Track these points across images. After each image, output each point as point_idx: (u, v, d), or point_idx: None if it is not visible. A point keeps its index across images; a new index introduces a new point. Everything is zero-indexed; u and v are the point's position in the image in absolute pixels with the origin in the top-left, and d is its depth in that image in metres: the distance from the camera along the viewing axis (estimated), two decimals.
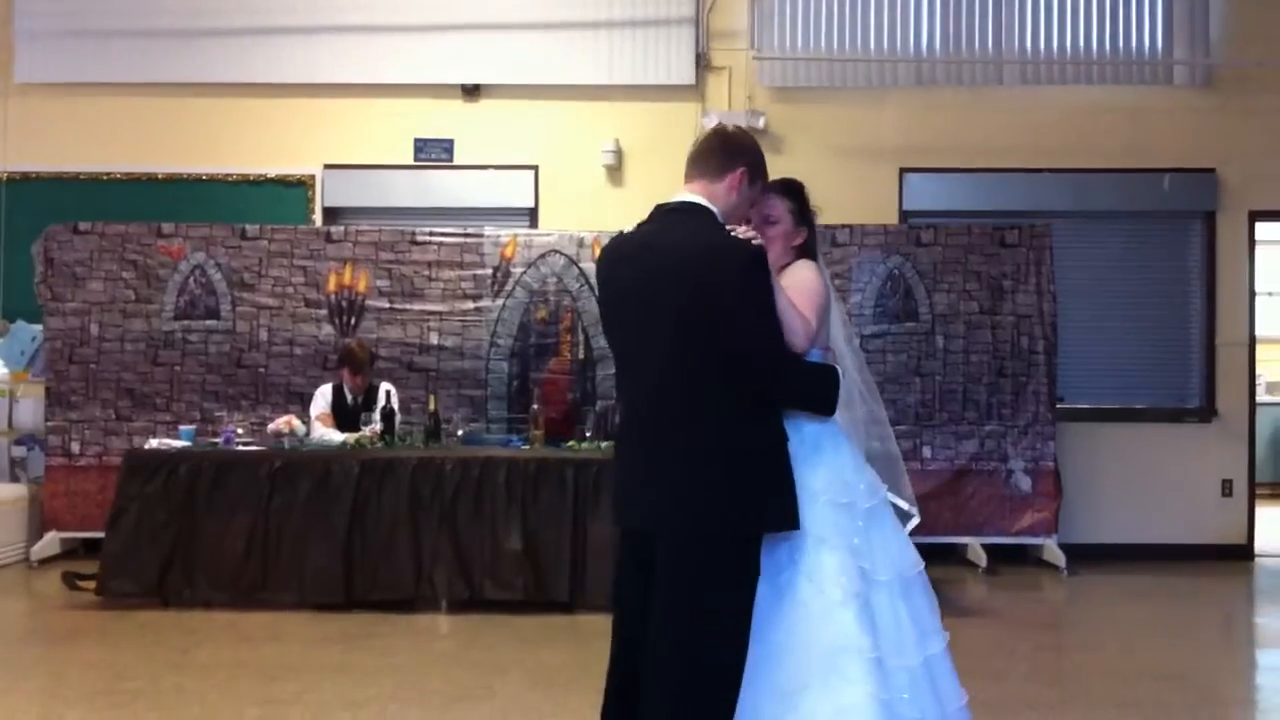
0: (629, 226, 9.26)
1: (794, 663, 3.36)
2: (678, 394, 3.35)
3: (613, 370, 8.86)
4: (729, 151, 3.52)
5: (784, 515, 3.37)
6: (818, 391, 3.47)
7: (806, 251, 3.76)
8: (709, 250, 3.31)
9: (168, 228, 9.10)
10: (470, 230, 9.23)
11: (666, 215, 3.48)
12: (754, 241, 3.36)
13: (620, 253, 3.56)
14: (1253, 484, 9.76)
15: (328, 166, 9.81)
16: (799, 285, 3.54)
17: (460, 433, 8.46)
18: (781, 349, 3.37)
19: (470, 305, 9.12)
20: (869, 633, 3.39)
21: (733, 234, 3.37)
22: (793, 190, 3.78)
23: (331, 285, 9.10)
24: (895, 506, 3.75)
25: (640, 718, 3.37)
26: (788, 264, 3.66)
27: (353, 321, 9.08)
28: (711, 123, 9.39)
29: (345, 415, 8.21)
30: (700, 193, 3.48)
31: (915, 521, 3.76)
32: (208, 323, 9.06)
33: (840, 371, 3.57)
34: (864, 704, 3.31)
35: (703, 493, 3.31)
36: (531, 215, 9.82)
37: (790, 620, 3.39)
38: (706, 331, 3.28)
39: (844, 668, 3.34)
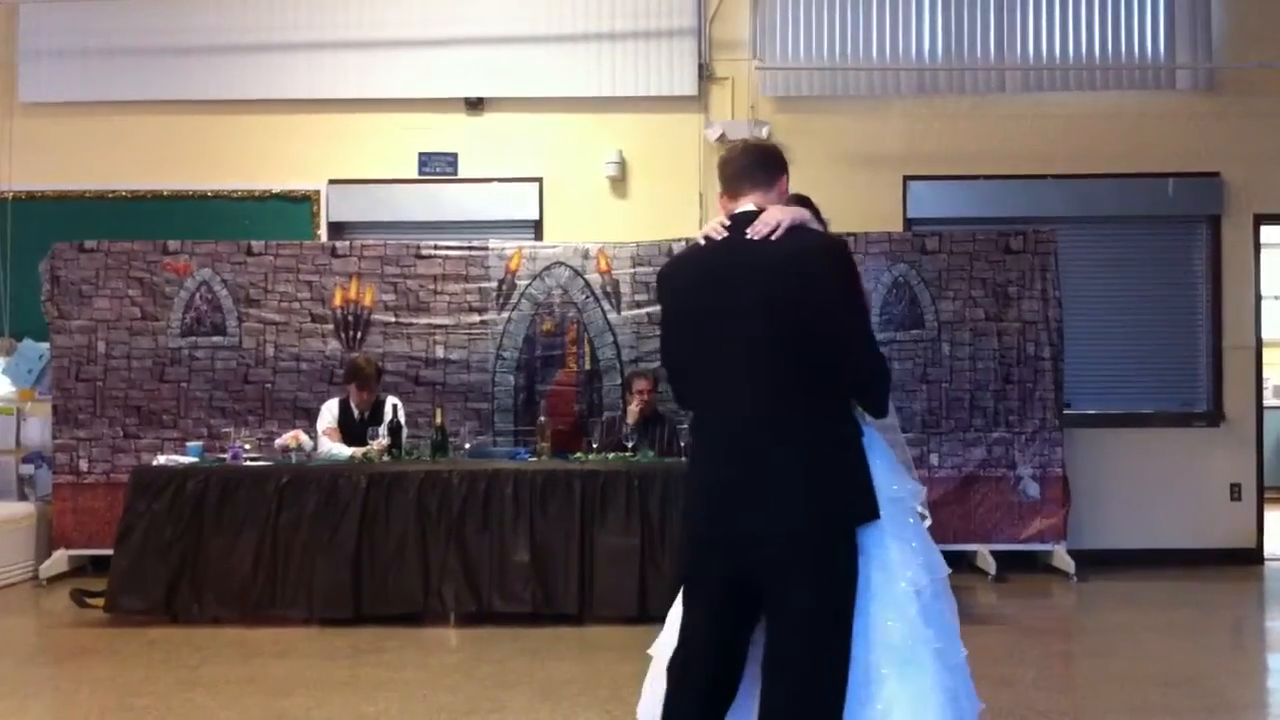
0: (633, 237, 9.25)
1: (875, 651, 3.43)
2: (777, 393, 3.40)
3: (618, 381, 8.95)
4: (772, 162, 3.67)
5: (873, 506, 3.46)
6: (885, 388, 3.58)
7: None
8: (803, 246, 3.42)
9: (173, 245, 9.12)
10: (475, 243, 9.24)
11: (737, 223, 3.52)
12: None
13: (698, 263, 3.60)
14: (1261, 488, 9.74)
15: (332, 182, 9.83)
16: None
17: (467, 446, 8.46)
18: (870, 335, 3.52)
19: (476, 318, 9.13)
20: (931, 624, 3.50)
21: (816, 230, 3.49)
22: (805, 200, 3.91)
23: (337, 300, 9.11)
24: None
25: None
26: None
27: (359, 336, 9.09)
28: (715, 133, 9.48)
29: (352, 430, 8.21)
30: (759, 203, 3.56)
31: (928, 523, 3.80)
32: (214, 339, 9.07)
33: None
34: (937, 692, 3.43)
35: (820, 489, 3.38)
36: (536, 227, 9.83)
37: (869, 609, 3.45)
38: (804, 322, 3.35)
39: (918, 657, 3.44)
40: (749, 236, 3.43)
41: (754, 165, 3.63)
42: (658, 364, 8.45)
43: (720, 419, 3.50)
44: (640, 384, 8.36)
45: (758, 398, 3.41)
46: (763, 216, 3.46)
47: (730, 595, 3.47)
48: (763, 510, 3.38)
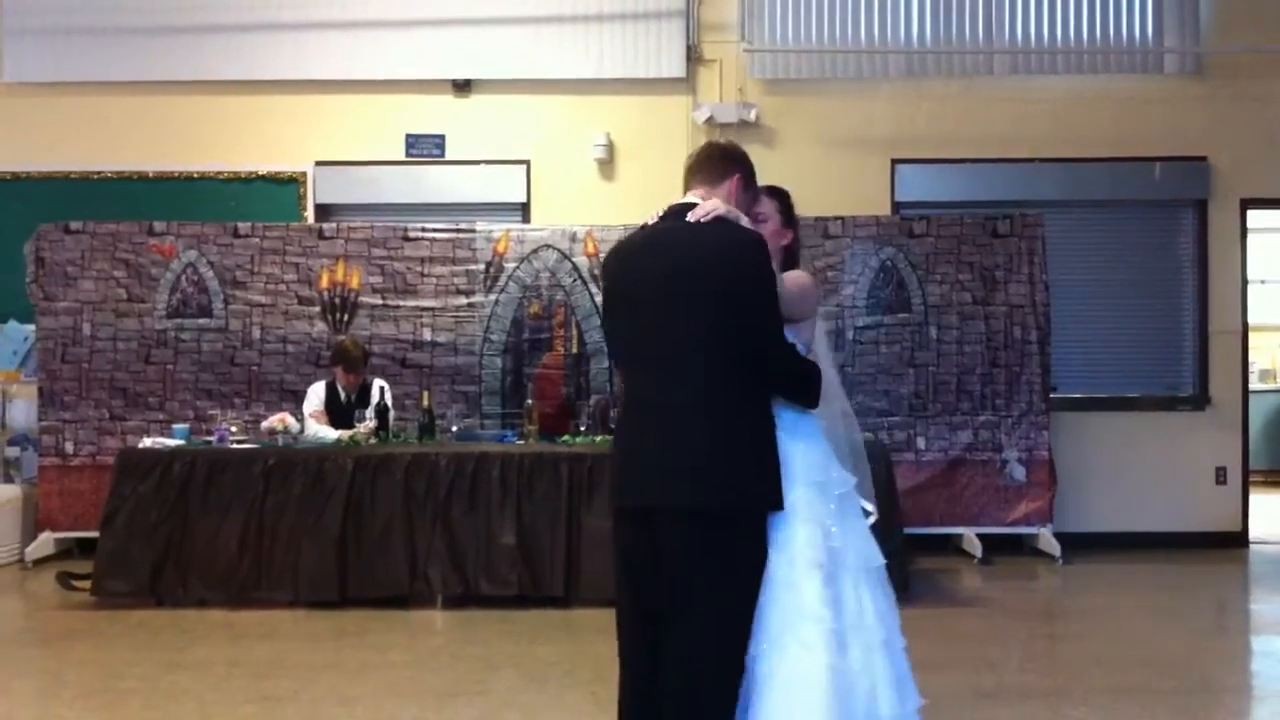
0: (621, 220, 9.27)
1: (756, 630, 3.45)
2: (694, 378, 3.47)
3: (606, 364, 8.95)
4: (725, 160, 3.77)
5: (778, 497, 3.50)
6: (809, 384, 3.63)
7: (791, 254, 3.96)
8: (727, 241, 3.50)
9: (159, 226, 9.09)
10: (462, 226, 9.22)
11: (678, 215, 3.61)
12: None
13: (634, 247, 3.69)
14: (1246, 471, 9.78)
15: (319, 163, 9.79)
16: (794, 283, 3.75)
17: (454, 429, 8.45)
18: (784, 336, 3.56)
19: (463, 301, 9.12)
20: (830, 605, 3.48)
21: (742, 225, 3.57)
22: (779, 193, 3.98)
23: (324, 282, 9.09)
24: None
25: (670, 700, 3.41)
26: (779, 264, 3.79)
27: (346, 318, 9.08)
28: (703, 115, 9.49)
29: (339, 412, 8.20)
30: (704, 196, 3.66)
31: (873, 519, 3.83)
32: (200, 321, 9.05)
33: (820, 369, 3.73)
34: (819, 673, 3.40)
35: (723, 471, 3.43)
36: (524, 210, 9.80)
37: (767, 591, 3.48)
38: (725, 316, 3.44)
39: (803, 635, 3.44)
40: (689, 220, 3.52)
41: (705, 161, 3.76)
42: None
43: (645, 397, 3.58)
44: None
45: (679, 380, 3.48)
46: (701, 204, 3.57)
47: (638, 568, 3.53)
48: (674, 485, 3.44)
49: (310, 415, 8.17)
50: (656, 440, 3.49)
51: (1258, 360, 12.69)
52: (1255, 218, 9.90)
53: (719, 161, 3.76)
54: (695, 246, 3.49)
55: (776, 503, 3.49)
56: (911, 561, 7.69)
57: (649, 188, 9.53)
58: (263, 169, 9.81)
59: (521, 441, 7.96)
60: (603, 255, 8.95)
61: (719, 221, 3.51)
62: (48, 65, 9.74)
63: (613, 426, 8.07)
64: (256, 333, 9.05)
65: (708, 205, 3.55)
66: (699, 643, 3.40)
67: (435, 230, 9.18)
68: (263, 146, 9.78)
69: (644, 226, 3.70)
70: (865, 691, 3.52)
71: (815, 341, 3.86)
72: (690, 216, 3.52)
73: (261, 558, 7.37)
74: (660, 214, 3.68)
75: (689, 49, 9.72)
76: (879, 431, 8.69)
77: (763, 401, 3.55)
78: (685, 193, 3.72)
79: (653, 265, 3.55)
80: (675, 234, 3.56)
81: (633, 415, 3.63)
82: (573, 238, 9.16)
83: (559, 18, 9.69)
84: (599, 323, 9.07)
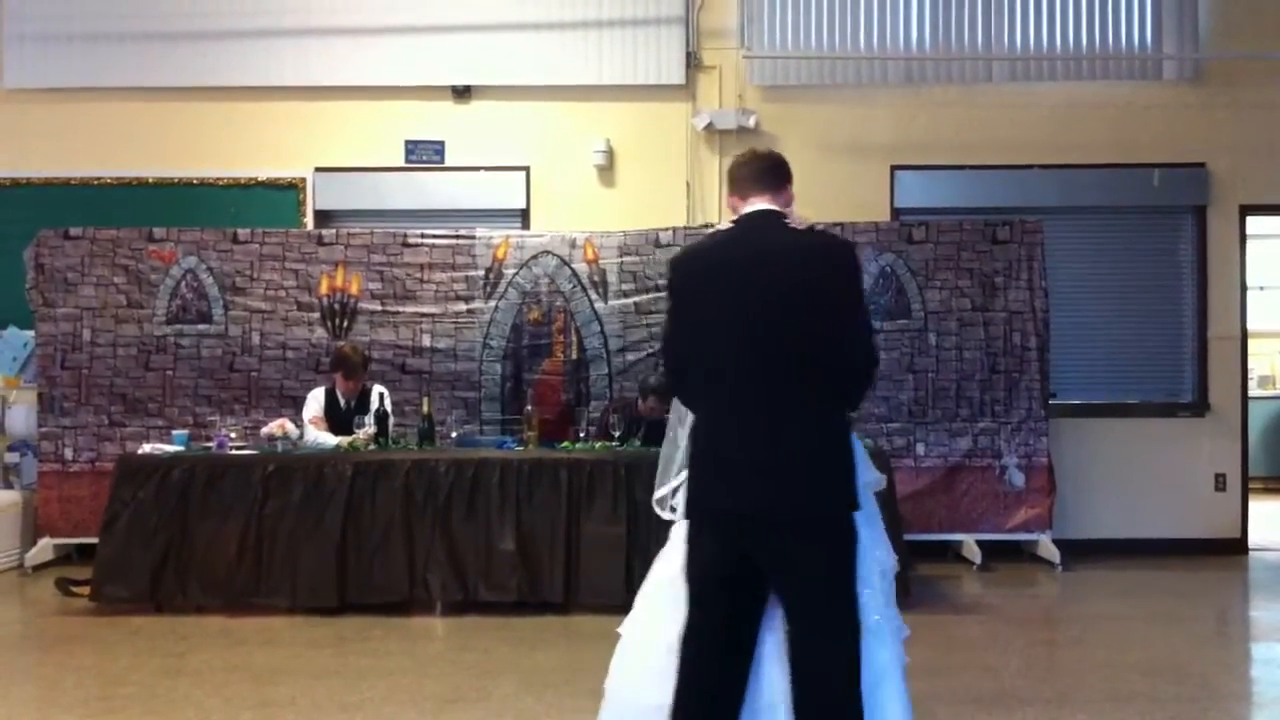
0: (621, 225, 9.26)
1: None
2: (800, 383, 3.55)
3: (605, 371, 8.95)
4: (784, 171, 3.90)
5: (858, 496, 3.66)
6: (869, 384, 3.79)
7: None
8: (817, 245, 3.66)
9: (159, 232, 9.09)
10: (462, 232, 9.22)
11: (753, 220, 3.72)
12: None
13: (728, 255, 3.72)
14: (1246, 478, 9.78)
15: (319, 169, 9.80)
16: None
17: (454, 435, 8.43)
18: (872, 330, 3.75)
19: (463, 307, 9.12)
20: (890, 604, 3.80)
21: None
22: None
23: (323, 288, 9.09)
24: None
25: (808, 695, 3.53)
26: None
27: (345, 324, 9.08)
28: (703, 122, 9.53)
29: (338, 419, 8.20)
30: (770, 204, 3.77)
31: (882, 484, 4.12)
32: (200, 327, 9.05)
33: None
34: (896, 666, 3.74)
35: (827, 475, 3.57)
36: (523, 216, 9.81)
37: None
38: (818, 325, 3.55)
39: (881, 631, 3.72)
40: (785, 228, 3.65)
41: (766, 171, 3.84)
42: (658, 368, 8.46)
43: (739, 401, 3.59)
44: (654, 400, 8.27)
45: (785, 386, 3.55)
46: (789, 215, 3.69)
47: (739, 575, 3.59)
48: (790, 491, 3.53)
49: (309, 421, 8.17)
50: (764, 447, 3.54)
51: (1257, 366, 12.70)
52: (1254, 224, 9.89)
53: (779, 172, 3.86)
54: (801, 256, 3.60)
55: (856, 503, 3.63)
56: (911, 568, 7.68)
57: (648, 194, 9.61)
58: (262, 175, 9.81)
59: (521, 447, 7.96)
60: (602, 261, 9.07)
61: (813, 231, 3.66)
62: (48, 71, 9.75)
63: (613, 433, 8.12)
64: (256, 339, 9.05)
65: (801, 217, 3.68)
66: (835, 644, 3.53)
67: (435, 236, 9.18)
68: (262, 152, 9.79)
69: (714, 234, 3.79)
70: None
71: None
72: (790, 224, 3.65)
73: (261, 564, 7.36)
74: (733, 221, 3.76)
75: (688, 55, 9.73)
76: (878, 438, 8.68)
77: (841, 401, 3.71)
78: (740, 200, 3.80)
79: (759, 274, 3.59)
80: (776, 243, 3.64)
81: (726, 421, 3.62)
82: (572, 244, 9.16)
83: (559, 24, 9.70)
84: (598, 329, 9.07)
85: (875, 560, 3.75)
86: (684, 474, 3.87)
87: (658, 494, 4.14)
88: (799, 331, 3.54)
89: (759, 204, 3.75)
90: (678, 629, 3.70)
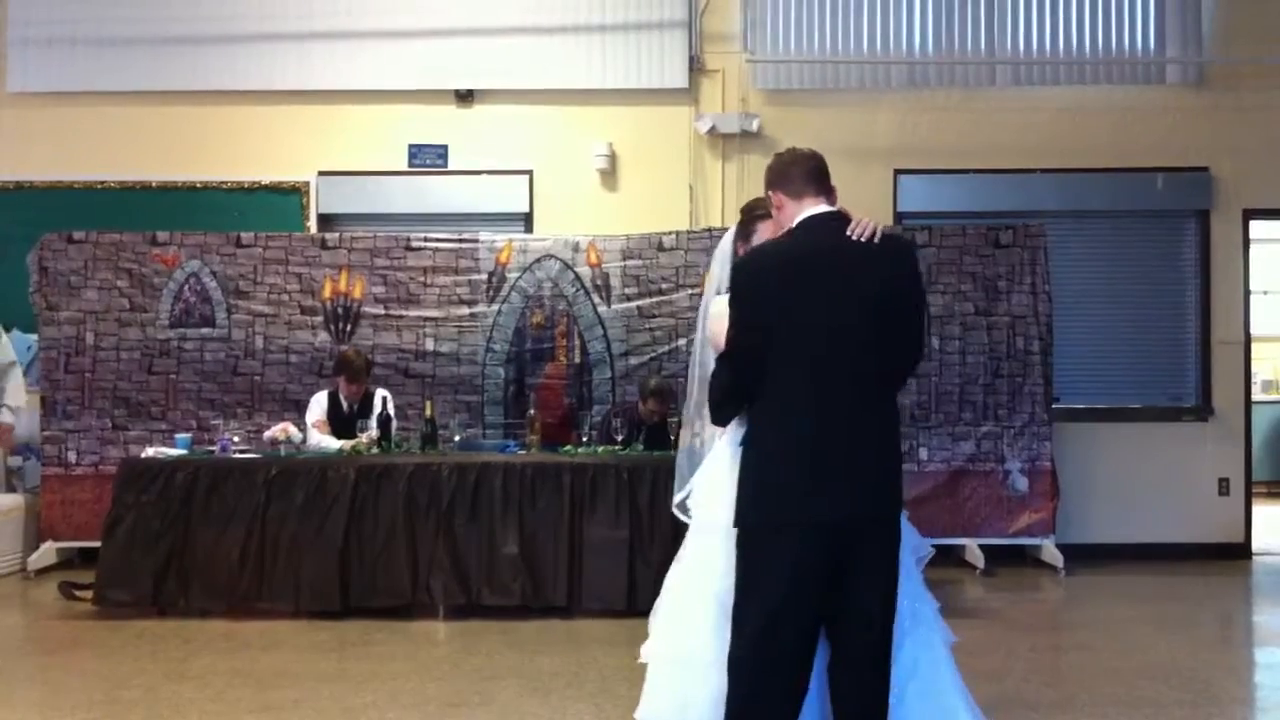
0: (624, 229, 9.21)
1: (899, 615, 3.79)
2: (879, 390, 3.68)
3: (608, 375, 8.95)
4: (828, 171, 3.92)
5: None
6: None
7: None
8: (892, 249, 3.74)
9: (162, 236, 9.10)
10: (465, 236, 9.23)
11: (826, 224, 3.73)
12: None
13: (792, 255, 3.72)
14: (1249, 482, 9.76)
15: (322, 173, 9.81)
16: None
17: (457, 438, 8.44)
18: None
19: (466, 311, 9.12)
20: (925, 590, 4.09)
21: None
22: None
23: (327, 292, 9.10)
24: None
25: (871, 695, 3.66)
26: None
27: (348, 328, 9.08)
28: (706, 126, 9.51)
29: (341, 422, 8.21)
30: (827, 205, 3.80)
31: None
32: (203, 331, 9.05)
33: None
34: (943, 646, 3.99)
35: (899, 476, 3.72)
36: (526, 220, 9.81)
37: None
38: (895, 323, 3.67)
39: (925, 615, 3.99)
40: (853, 237, 3.65)
41: (819, 171, 3.86)
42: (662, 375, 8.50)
43: (837, 405, 3.60)
44: (654, 402, 8.29)
45: (868, 387, 3.64)
46: (859, 220, 3.68)
47: (820, 578, 3.59)
48: (877, 496, 3.64)
49: (313, 425, 8.17)
50: (853, 454, 3.59)
51: (1260, 371, 12.69)
52: (1257, 228, 9.89)
53: (827, 170, 3.88)
54: (882, 265, 3.65)
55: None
56: None
57: (651, 198, 9.60)
58: (266, 179, 9.82)
59: (524, 451, 7.96)
60: (605, 265, 9.07)
61: (886, 237, 3.68)
62: (51, 75, 9.76)
63: (616, 437, 8.12)
64: (259, 342, 9.05)
65: (868, 223, 3.67)
66: (889, 639, 3.66)
67: (438, 240, 9.18)
68: (266, 156, 9.80)
69: (784, 237, 3.77)
70: None
71: None
72: (859, 231, 3.65)
73: (264, 568, 7.36)
74: (803, 220, 3.75)
75: (691, 59, 9.73)
76: None
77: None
78: (793, 198, 3.79)
79: (841, 286, 3.61)
80: (854, 252, 3.65)
81: (809, 429, 3.59)
82: (575, 248, 9.16)
83: (561, 28, 9.70)
84: (601, 332, 9.07)
85: (910, 549, 3.91)
86: (711, 480, 3.88)
87: (678, 498, 4.15)
88: (885, 336, 3.63)
89: (818, 205, 3.76)
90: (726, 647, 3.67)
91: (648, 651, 4.06)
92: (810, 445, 3.59)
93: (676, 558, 4.13)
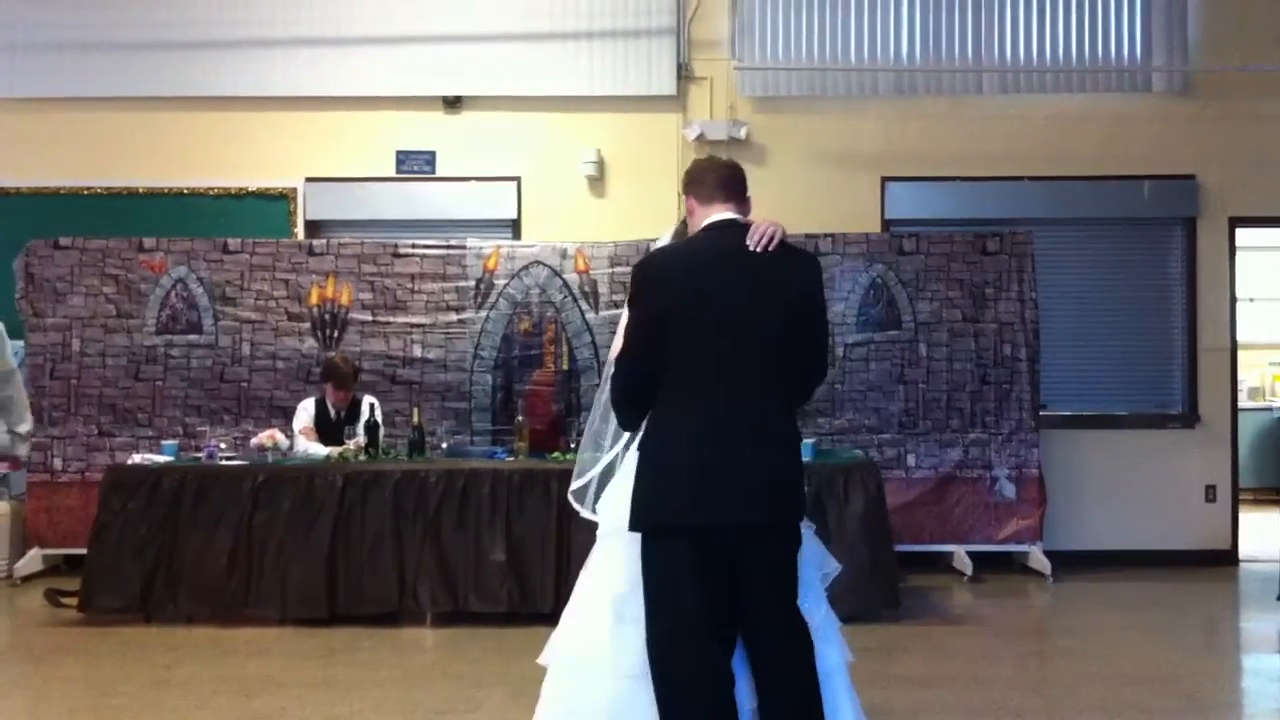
0: (612, 236, 9.24)
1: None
2: (775, 397, 3.69)
3: (597, 381, 8.91)
4: (745, 181, 3.93)
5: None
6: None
7: None
8: (805, 267, 3.78)
9: (149, 242, 9.08)
10: (453, 242, 9.22)
11: (728, 230, 3.75)
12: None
13: (693, 259, 3.74)
14: (1236, 489, 9.78)
15: (309, 180, 9.79)
16: None
17: (444, 445, 8.44)
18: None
19: (453, 317, 9.11)
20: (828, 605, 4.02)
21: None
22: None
23: (314, 298, 9.08)
24: None
25: (788, 698, 3.62)
26: None
27: (335, 335, 9.07)
28: (694, 133, 9.52)
29: (328, 429, 8.19)
30: (739, 213, 3.83)
31: None
32: (190, 337, 9.03)
33: None
34: (842, 665, 3.92)
35: (798, 485, 3.72)
36: (514, 226, 9.81)
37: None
38: (798, 333, 3.69)
39: (829, 635, 3.91)
40: (751, 247, 3.65)
41: (733, 179, 3.87)
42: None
43: (721, 414, 3.60)
44: None
45: (757, 393, 3.63)
46: (758, 226, 3.67)
47: (715, 582, 3.57)
48: (770, 502, 3.62)
49: (300, 432, 8.16)
50: (746, 459, 3.58)
51: (1247, 378, 12.71)
52: (1244, 236, 9.90)
53: (743, 180, 3.90)
54: (785, 272, 3.69)
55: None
56: (902, 579, 7.68)
57: (639, 205, 9.60)
58: (253, 185, 9.81)
59: (511, 458, 7.95)
60: (593, 272, 9.08)
61: (786, 246, 3.69)
62: (37, 80, 9.73)
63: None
64: (246, 349, 9.03)
65: (767, 229, 3.67)
66: (807, 645, 3.64)
67: (426, 246, 9.18)
68: (253, 162, 9.78)
69: (686, 240, 3.83)
70: None
71: None
72: (756, 238, 3.65)
73: (251, 574, 7.35)
74: (706, 225, 3.78)
75: (679, 66, 9.73)
76: (869, 449, 8.70)
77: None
78: (702, 204, 3.84)
79: (743, 288, 3.65)
80: (757, 257, 3.66)
81: (701, 432, 3.59)
82: (563, 254, 9.16)
83: (549, 35, 9.70)
84: (589, 339, 9.07)
85: (815, 564, 3.92)
86: (617, 484, 3.89)
87: (576, 485, 4.20)
88: (784, 342, 3.65)
89: (726, 212, 3.79)
90: (638, 652, 3.64)
91: (547, 656, 4.04)
92: (705, 447, 3.59)
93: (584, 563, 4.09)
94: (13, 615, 7.98)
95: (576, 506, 4.21)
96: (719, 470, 3.56)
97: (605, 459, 4.13)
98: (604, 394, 4.11)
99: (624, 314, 3.98)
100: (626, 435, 4.01)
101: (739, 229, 3.71)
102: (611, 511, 3.87)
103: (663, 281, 3.71)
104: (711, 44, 9.80)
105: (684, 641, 3.57)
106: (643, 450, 3.71)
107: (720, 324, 3.61)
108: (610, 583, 3.80)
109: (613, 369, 3.94)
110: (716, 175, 3.86)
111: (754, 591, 3.60)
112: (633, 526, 3.66)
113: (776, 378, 3.66)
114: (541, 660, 4.03)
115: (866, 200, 9.68)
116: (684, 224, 4.07)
